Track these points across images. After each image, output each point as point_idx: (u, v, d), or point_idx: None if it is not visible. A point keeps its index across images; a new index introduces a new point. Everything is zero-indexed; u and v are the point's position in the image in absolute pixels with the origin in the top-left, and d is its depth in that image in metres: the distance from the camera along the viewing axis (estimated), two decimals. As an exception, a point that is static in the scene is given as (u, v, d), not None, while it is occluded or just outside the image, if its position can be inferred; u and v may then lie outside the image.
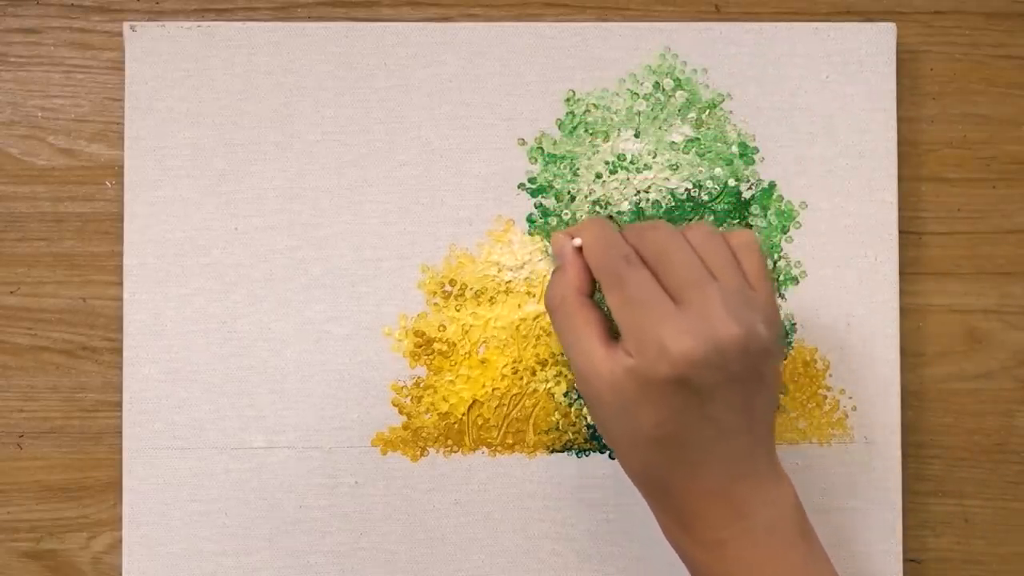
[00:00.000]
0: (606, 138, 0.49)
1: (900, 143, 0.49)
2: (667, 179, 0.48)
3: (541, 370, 0.48)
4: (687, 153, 0.49)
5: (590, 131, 0.49)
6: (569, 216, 0.48)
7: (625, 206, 0.48)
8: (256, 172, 0.48)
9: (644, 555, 0.48)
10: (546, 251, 0.48)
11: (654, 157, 0.49)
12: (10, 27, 0.50)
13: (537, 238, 0.48)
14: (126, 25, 0.48)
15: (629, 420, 0.37)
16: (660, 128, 0.49)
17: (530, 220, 0.48)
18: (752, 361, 0.37)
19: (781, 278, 0.48)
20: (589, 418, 0.48)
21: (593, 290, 0.40)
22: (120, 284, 0.48)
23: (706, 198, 0.48)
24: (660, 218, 0.48)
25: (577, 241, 0.40)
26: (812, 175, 0.49)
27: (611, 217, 0.48)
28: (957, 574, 0.50)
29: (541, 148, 0.49)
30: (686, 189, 0.48)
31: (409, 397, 0.48)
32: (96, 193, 0.49)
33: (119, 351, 0.48)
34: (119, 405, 0.48)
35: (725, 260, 0.38)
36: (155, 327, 0.48)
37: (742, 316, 0.36)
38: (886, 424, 0.48)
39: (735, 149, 0.49)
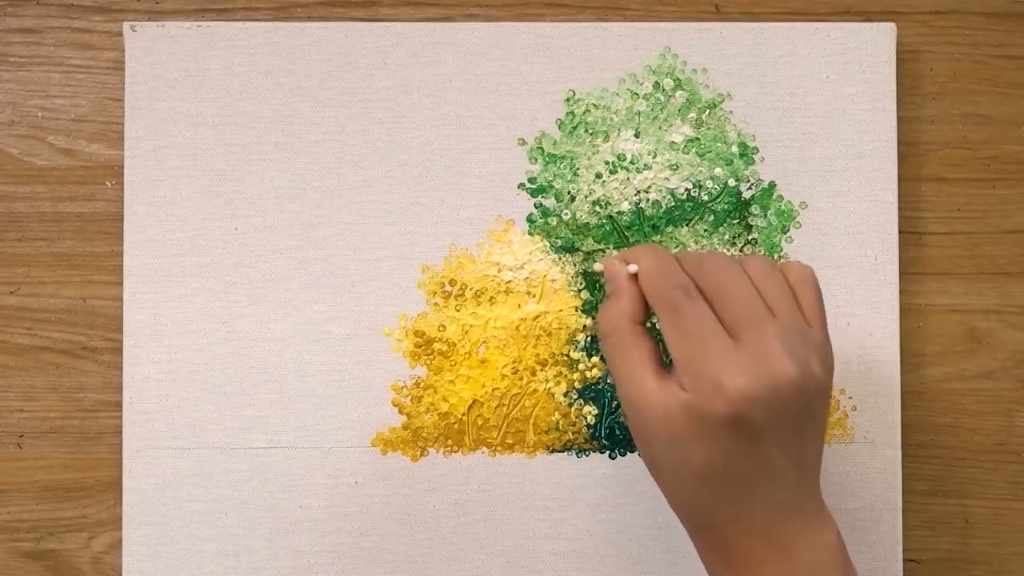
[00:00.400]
0: (606, 138, 0.49)
1: (900, 143, 0.49)
2: (667, 179, 0.48)
3: (541, 370, 0.48)
4: (687, 153, 0.49)
5: (590, 131, 0.49)
6: (569, 216, 0.48)
7: (625, 206, 0.48)
8: (256, 172, 0.48)
9: (644, 555, 0.48)
10: (546, 251, 0.48)
11: (654, 157, 0.49)
12: (10, 27, 0.50)
13: (537, 238, 0.48)
14: (126, 25, 0.48)
15: (679, 454, 0.36)
16: (660, 128, 0.49)
17: (530, 220, 0.48)
18: (807, 400, 0.36)
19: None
20: (589, 418, 0.48)
21: (646, 318, 0.39)
22: (120, 284, 0.48)
23: (706, 198, 0.48)
24: (660, 217, 0.48)
25: (632, 267, 0.39)
26: (812, 175, 0.49)
27: (612, 217, 0.48)
28: (957, 574, 0.50)
29: (541, 148, 0.49)
30: (686, 189, 0.48)
31: (409, 397, 0.48)
32: (96, 193, 0.49)
33: (119, 351, 0.48)
34: (119, 405, 0.48)
35: (783, 295, 0.37)
36: (155, 327, 0.48)
37: (799, 355, 0.35)
38: (886, 424, 0.48)
39: (735, 149, 0.49)
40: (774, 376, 0.35)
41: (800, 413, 0.36)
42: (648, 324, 0.39)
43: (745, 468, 0.36)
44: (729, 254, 0.38)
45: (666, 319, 0.37)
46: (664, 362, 0.38)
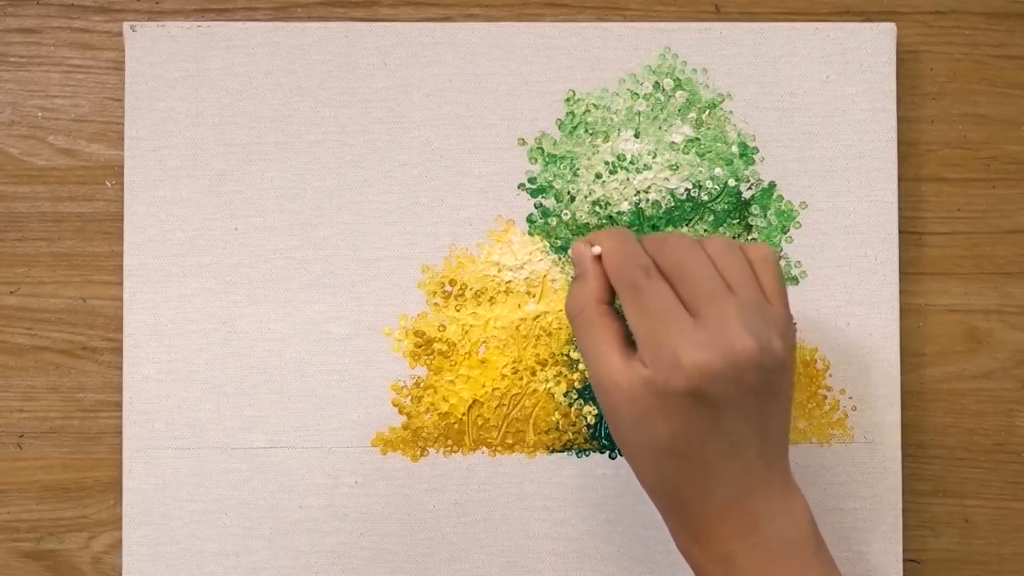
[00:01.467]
0: (606, 138, 0.49)
1: (900, 143, 0.49)
2: (667, 179, 0.48)
3: (541, 370, 0.48)
4: (687, 153, 0.49)
5: (590, 131, 0.49)
6: (569, 216, 0.48)
7: (625, 206, 0.48)
8: (256, 172, 0.48)
9: (644, 555, 0.48)
10: (546, 251, 0.48)
11: (654, 157, 0.49)
12: (10, 27, 0.50)
13: (537, 238, 0.48)
14: (126, 25, 0.48)
15: (644, 431, 0.37)
16: (660, 128, 0.49)
17: (530, 220, 0.48)
18: (767, 375, 0.36)
19: (781, 278, 0.48)
20: (589, 418, 0.48)
21: (613, 298, 0.40)
22: (120, 284, 0.48)
23: (706, 198, 0.48)
24: (660, 218, 0.48)
25: (596, 249, 0.40)
26: (812, 175, 0.49)
27: (612, 217, 0.48)
28: (957, 574, 0.50)
29: (541, 148, 0.49)
30: (686, 189, 0.48)
31: (409, 397, 0.48)
32: (96, 193, 0.49)
33: (119, 351, 0.48)
34: (119, 405, 0.48)
35: (742, 273, 0.38)
36: (155, 327, 0.48)
37: (758, 331, 0.36)
38: (886, 424, 0.48)
39: (735, 149, 0.49)
40: (732, 351, 0.36)
41: (761, 388, 0.36)
42: (616, 305, 0.40)
43: (707, 442, 0.37)
44: (690, 235, 0.38)
45: (627, 299, 0.38)
46: (631, 342, 0.38)
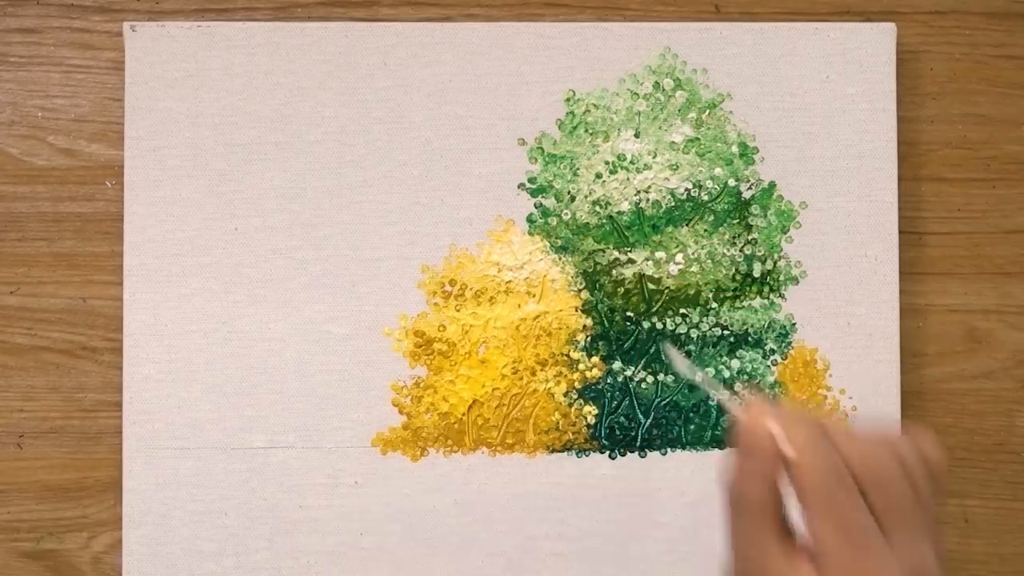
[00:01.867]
0: (606, 138, 0.49)
1: (900, 143, 0.49)
2: (667, 179, 0.48)
3: (541, 370, 0.48)
4: (687, 153, 0.49)
5: (590, 131, 0.49)
6: (569, 216, 0.48)
7: (625, 206, 0.48)
8: (256, 172, 0.48)
9: (644, 555, 0.48)
10: (546, 251, 0.48)
11: (654, 157, 0.49)
12: (10, 27, 0.50)
13: (537, 238, 0.48)
14: (126, 25, 0.48)
15: None
16: (660, 128, 0.49)
17: (530, 220, 0.48)
18: None
19: (781, 278, 0.49)
20: (589, 418, 0.48)
21: (778, 477, 0.36)
22: (120, 284, 0.48)
23: (706, 198, 0.48)
24: (660, 217, 0.48)
25: (776, 429, 0.35)
26: (812, 175, 0.49)
27: (612, 217, 0.48)
28: (957, 574, 0.50)
29: (541, 148, 0.49)
30: (686, 189, 0.48)
31: (409, 397, 0.48)
32: (96, 193, 0.49)
33: (119, 351, 0.48)
34: (119, 405, 0.48)
35: (923, 483, 0.36)
36: (155, 327, 0.48)
37: (941, 551, 0.35)
38: (886, 424, 0.48)
39: (735, 149, 0.49)
40: None
41: None
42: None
43: None
44: (878, 434, 0.36)
45: (819, 512, 0.35)
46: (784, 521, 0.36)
